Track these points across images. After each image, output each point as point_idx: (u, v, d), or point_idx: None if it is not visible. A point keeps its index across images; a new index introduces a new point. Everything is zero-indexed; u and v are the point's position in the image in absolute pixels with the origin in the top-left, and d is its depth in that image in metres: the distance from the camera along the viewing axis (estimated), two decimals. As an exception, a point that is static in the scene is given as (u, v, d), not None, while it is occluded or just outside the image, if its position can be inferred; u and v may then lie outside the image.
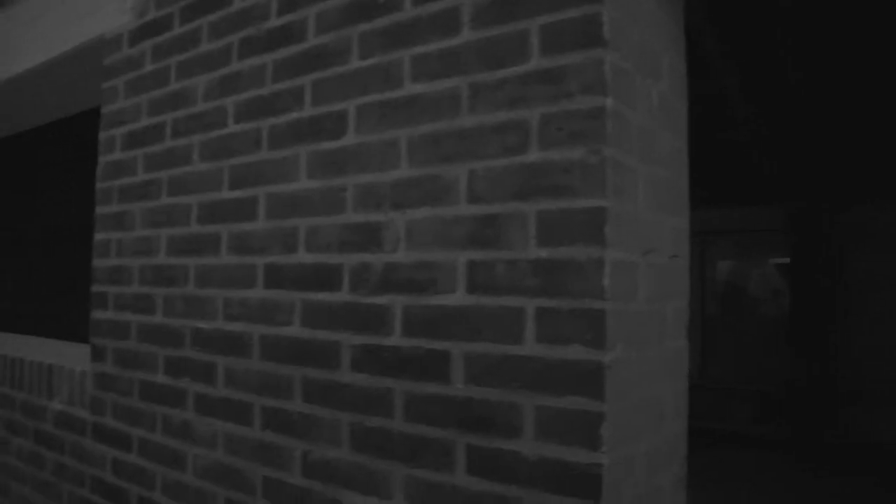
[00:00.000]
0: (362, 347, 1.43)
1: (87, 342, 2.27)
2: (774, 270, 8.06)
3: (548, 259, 1.20)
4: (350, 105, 1.50)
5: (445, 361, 1.30)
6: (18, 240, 5.94)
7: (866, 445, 6.54)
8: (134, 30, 2.14)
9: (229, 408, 1.69)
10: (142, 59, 2.09)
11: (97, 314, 2.17)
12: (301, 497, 1.53)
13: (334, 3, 1.56)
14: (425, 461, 1.32)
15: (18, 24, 2.72)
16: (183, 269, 1.85)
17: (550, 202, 1.21)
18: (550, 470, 1.18)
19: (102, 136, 2.22)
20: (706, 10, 3.28)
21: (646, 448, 1.31)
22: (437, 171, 1.34)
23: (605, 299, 1.14)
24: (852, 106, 4.92)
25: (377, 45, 1.47)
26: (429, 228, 1.34)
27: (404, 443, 1.35)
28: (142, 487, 1.96)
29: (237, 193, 1.71)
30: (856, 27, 3.69)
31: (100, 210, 2.19)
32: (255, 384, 1.63)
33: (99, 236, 2.18)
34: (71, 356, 2.58)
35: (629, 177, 1.24)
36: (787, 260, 7.53)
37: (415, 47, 1.41)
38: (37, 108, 3.26)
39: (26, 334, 3.41)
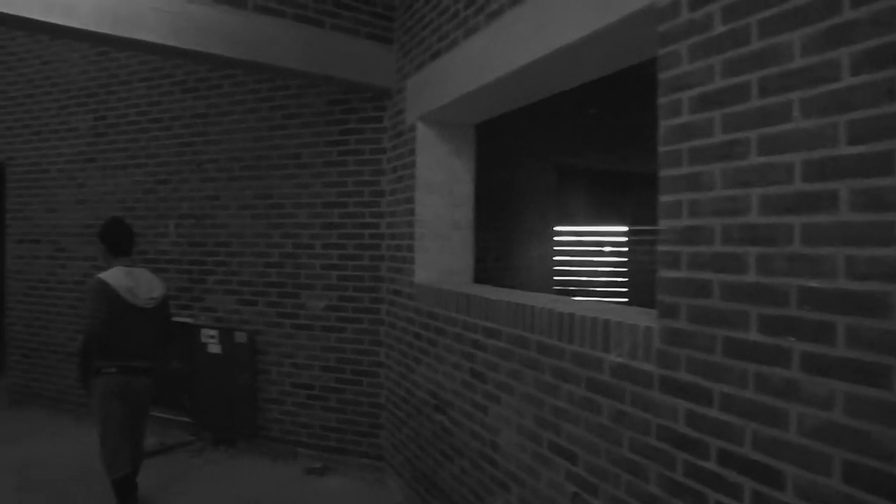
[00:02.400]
0: None
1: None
2: None
3: None
4: None
5: None
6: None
7: None
8: (695, -7, 2.27)
9: (852, 369, 1.74)
10: (708, 21, 2.21)
11: (666, 273, 2.38)
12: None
13: None
14: None
15: (555, 2, 3.05)
16: (784, 227, 1.93)
17: None
18: None
19: (663, 101, 2.41)
20: None
21: None
22: None
23: None
24: None
25: None
26: None
27: None
28: (724, 441, 2.12)
29: (860, 149, 1.73)
30: None
31: (665, 172, 2.38)
32: (891, 346, 1.65)
33: (666, 198, 2.38)
34: (622, 313, 2.86)
35: None
36: None
37: None
38: (555, 82, 3.63)
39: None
